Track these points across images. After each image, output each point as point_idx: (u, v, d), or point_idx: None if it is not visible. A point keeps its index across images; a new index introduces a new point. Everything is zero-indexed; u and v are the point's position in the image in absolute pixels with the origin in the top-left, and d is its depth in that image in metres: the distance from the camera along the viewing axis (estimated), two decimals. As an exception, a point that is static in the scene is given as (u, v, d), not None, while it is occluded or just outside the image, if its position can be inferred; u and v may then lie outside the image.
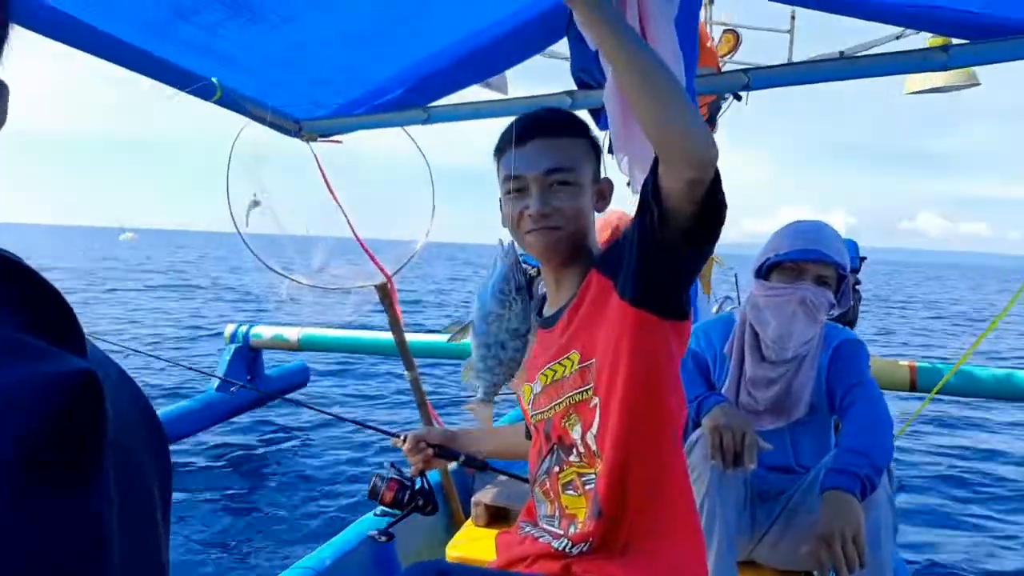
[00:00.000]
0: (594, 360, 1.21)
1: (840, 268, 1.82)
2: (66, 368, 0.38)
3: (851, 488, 1.53)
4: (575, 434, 1.26)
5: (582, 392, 1.24)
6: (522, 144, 1.22)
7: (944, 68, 1.60)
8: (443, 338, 1.37)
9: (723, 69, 3.47)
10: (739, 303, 4.14)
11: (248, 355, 5.49)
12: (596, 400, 1.22)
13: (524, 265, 1.30)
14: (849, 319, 3.23)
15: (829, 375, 1.89)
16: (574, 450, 1.27)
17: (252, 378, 5.60)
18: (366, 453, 5.33)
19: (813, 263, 1.80)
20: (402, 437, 1.64)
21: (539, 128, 1.24)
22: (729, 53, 3.51)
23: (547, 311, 1.36)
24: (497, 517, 2.23)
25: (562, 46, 1.97)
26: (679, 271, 1.14)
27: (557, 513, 1.32)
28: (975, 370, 3.43)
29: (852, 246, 3.26)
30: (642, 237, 1.08)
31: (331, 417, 4.09)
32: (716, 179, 1.02)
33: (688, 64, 1.52)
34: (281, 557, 3.38)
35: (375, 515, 1.79)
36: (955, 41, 1.66)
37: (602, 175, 1.31)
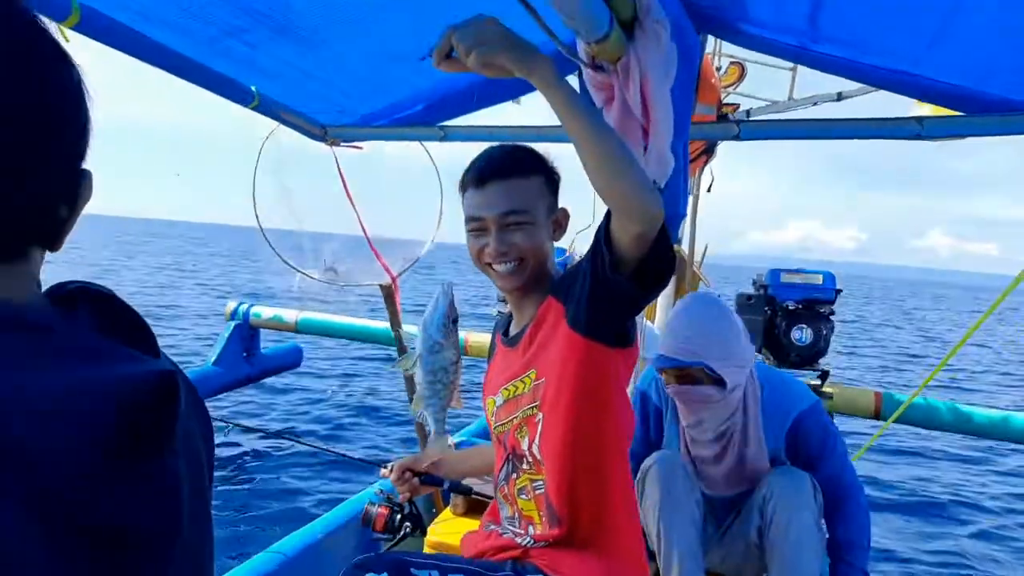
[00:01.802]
0: (543, 379, 1.35)
1: (710, 371, 1.76)
2: (157, 368, 0.55)
3: None
4: (524, 445, 1.40)
5: (532, 408, 1.37)
6: (481, 186, 1.34)
7: (918, 138, 1.78)
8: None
9: (727, 99, 3.65)
10: None
11: (247, 333, 5.65)
12: (540, 415, 1.35)
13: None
14: (818, 349, 3.41)
15: (793, 447, 1.91)
16: (524, 459, 1.42)
17: (248, 355, 5.77)
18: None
19: (683, 368, 1.80)
20: (389, 467, 1.70)
21: (496, 171, 1.34)
22: (734, 84, 3.68)
23: (512, 330, 1.49)
24: (473, 507, 2.41)
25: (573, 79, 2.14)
26: (627, 309, 1.25)
27: (516, 515, 1.48)
28: (937, 403, 3.62)
29: (829, 278, 3.44)
30: (594, 276, 1.18)
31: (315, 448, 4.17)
32: (662, 233, 1.12)
33: (683, 114, 1.68)
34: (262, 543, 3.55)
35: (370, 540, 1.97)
36: (931, 113, 1.84)
37: (556, 208, 1.41)
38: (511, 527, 1.50)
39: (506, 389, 1.43)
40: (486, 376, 1.58)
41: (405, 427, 6.17)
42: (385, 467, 1.74)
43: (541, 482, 1.39)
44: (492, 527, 1.57)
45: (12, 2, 0.53)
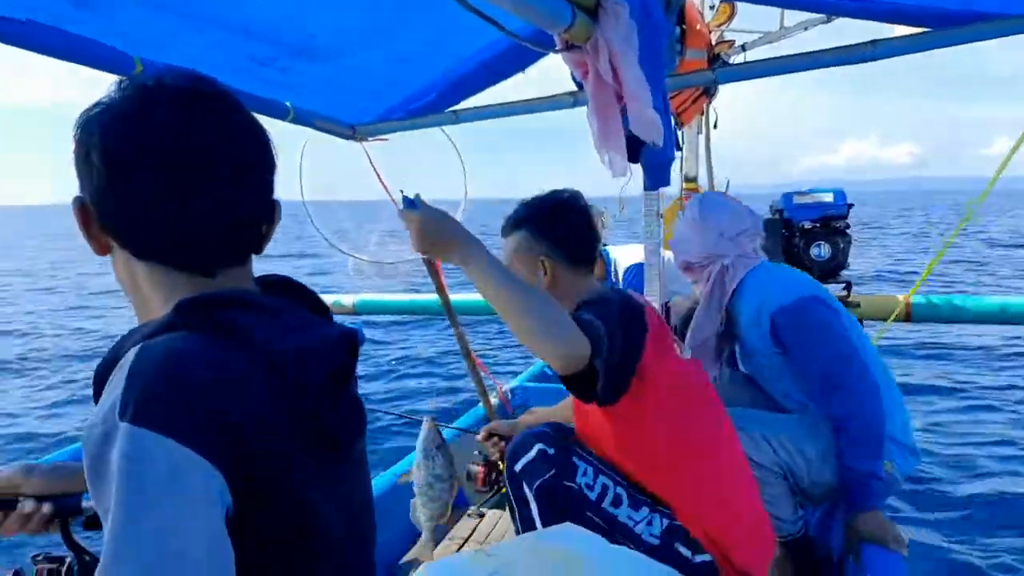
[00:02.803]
0: None
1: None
2: (346, 329, 0.85)
3: (874, 506, 1.82)
4: None
5: None
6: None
7: (872, 59, 1.97)
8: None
9: (720, 39, 3.80)
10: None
11: (311, 320, 6.06)
12: None
13: None
14: (838, 263, 3.56)
15: (781, 344, 2.00)
16: None
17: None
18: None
19: None
20: (482, 433, 1.98)
21: (501, 230, 1.62)
22: (725, 23, 3.80)
23: None
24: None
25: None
26: (590, 395, 1.36)
27: None
28: (965, 298, 3.76)
29: (839, 194, 3.59)
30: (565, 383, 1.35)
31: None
32: (590, 365, 1.28)
33: (656, 72, 1.90)
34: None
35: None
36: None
37: (541, 253, 1.56)
38: None
39: None
40: None
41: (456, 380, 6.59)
42: (478, 432, 2.03)
43: None
44: None
45: (207, 83, 0.78)
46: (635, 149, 1.93)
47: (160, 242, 0.77)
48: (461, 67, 2.44)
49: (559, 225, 1.60)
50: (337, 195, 2.73)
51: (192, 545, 0.61)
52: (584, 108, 2.24)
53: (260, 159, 0.81)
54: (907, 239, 25.07)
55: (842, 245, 3.53)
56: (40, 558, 0.99)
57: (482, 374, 3.28)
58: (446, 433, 1.85)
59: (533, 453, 1.52)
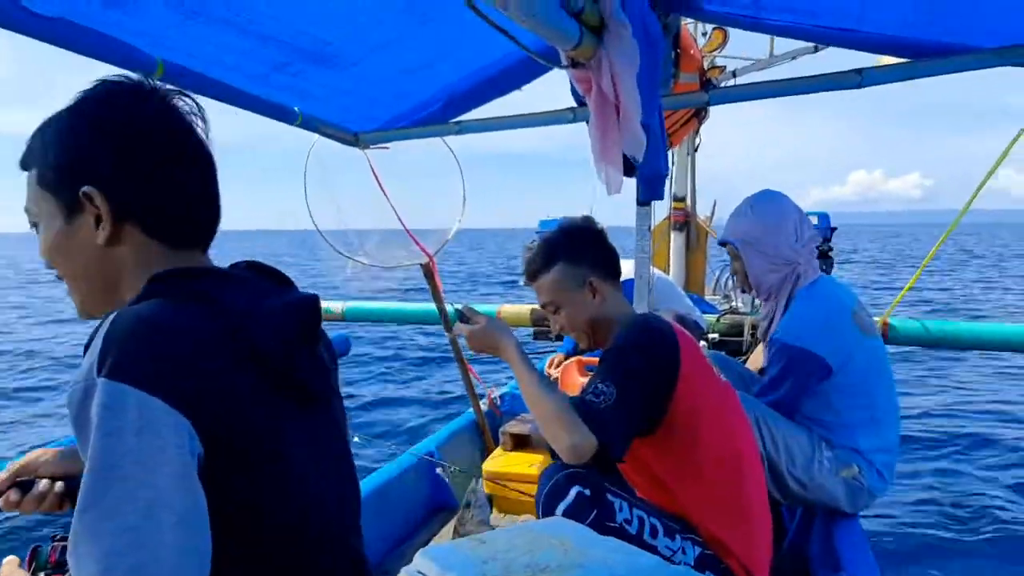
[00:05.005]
0: None
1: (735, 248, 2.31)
2: (308, 294, 0.94)
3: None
4: None
5: None
6: (529, 287, 1.78)
7: (859, 87, 2.08)
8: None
9: (712, 64, 3.93)
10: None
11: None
12: None
13: None
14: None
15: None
16: None
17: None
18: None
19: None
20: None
21: (527, 276, 1.76)
22: (717, 48, 3.94)
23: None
24: (520, 443, 2.82)
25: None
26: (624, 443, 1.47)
27: None
28: (940, 323, 3.87)
29: (823, 217, 3.72)
30: None
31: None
32: (596, 455, 1.41)
33: (651, 92, 1.99)
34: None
35: None
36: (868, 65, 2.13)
37: (587, 276, 1.69)
38: None
39: None
40: None
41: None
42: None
43: None
44: None
45: (153, 89, 0.91)
46: (630, 164, 2.02)
47: (167, 212, 0.89)
48: (466, 80, 2.52)
49: (588, 246, 1.72)
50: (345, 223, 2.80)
51: (165, 486, 0.68)
52: (582, 124, 2.34)
53: (212, 159, 0.94)
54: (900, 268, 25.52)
55: (824, 267, 3.66)
56: (58, 537, 1.06)
57: (473, 379, 3.35)
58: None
59: (572, 497, 1.53)
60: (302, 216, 2.60)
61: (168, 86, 0.93)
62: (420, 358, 8.46)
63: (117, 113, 0.86)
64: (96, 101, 0.87)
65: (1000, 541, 3.54)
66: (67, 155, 0.86)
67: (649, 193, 2.01)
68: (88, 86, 0.88)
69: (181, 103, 0.91)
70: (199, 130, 0.92)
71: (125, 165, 0.85)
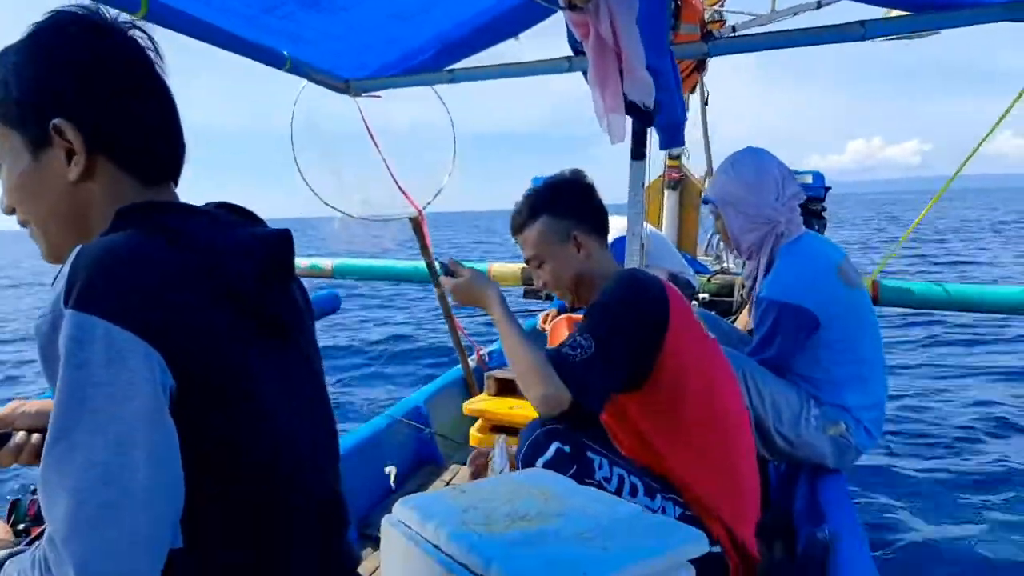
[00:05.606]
0: None
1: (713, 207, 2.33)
2: (280, 229, 0.92)
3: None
4: None
5: None
6: (515, 239, 1.76)
7: (862, 39, 2.04)
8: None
9: (713, 18, 3.86)
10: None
11: (286, 282, 6.05)
12: None
13: None
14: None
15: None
16: None
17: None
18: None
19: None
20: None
21: (512, 230, 1.75)
22: (718, 1, 3.86)
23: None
24: (504, 388, 2.84)
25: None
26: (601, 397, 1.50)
27: None
28: (931, 285, 3.89)
29: (818, 176, 3.69)
30: None
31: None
32: (573, 402, 1.43)
33: (659, 36, 1.95)
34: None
35: None
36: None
37: (571, 230, 1.67)
38: None
39: None
40: None
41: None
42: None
43: None
44: None
45: (107, 20, 0.88)
46: (648, 114, 1.99)
47: (123, 143, 0.86)
48: (460, 27, 2.46)
49: (575, 199, 1.69)
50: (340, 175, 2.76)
51: (135, 420, 0.67)
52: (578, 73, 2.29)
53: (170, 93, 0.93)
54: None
55: (816, 227, 3.64)
56: (35, 489, 1.06)
57: (461, 336, 3.35)
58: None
59: (551, 454, 1.50)
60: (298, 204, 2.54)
61: (123, 16, 0.90)
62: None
63: (75, 42, 0.84)
64: (52, 31, 0.84)
65: (983, 487, 3.60)
66: (29, 87, 0.82)
67: (669, 140, 1.98)
68: (41, 18, 0.85)
69: (138, 35, 0.89)
70: (156, 65, 0.90)
71: (87, 93, 0.83)
